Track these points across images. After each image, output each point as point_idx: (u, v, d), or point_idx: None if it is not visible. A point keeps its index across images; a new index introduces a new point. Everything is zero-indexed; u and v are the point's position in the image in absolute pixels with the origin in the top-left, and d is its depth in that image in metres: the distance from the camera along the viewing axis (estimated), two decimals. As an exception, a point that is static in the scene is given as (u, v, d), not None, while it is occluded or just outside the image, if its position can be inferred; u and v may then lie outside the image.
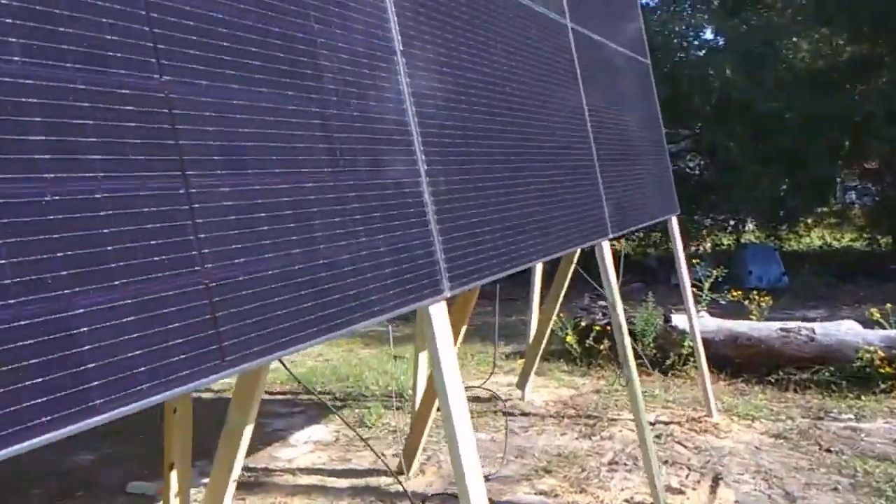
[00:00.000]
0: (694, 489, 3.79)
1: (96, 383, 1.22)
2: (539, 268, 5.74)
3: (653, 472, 3.53)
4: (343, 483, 3.78)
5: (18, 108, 1.18)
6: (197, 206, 1.48)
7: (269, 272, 1.63)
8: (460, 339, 4.02)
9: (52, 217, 1.20)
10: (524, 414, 4.96)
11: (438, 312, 2.25)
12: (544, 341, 5.27)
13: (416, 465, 3.89)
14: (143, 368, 1.30)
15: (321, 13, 1.98)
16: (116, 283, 1.29)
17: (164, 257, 1.38)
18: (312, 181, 1.81)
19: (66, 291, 1.20)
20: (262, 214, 1.64)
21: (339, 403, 4.90)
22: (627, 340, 3.81)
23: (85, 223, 1.25)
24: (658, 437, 4.57)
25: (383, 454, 4.20)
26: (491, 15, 2.93)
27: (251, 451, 4.29)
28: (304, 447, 4.26)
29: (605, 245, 3.93)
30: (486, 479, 3.93)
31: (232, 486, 2.67)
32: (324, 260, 1.80)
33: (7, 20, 1.18)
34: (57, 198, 1.22)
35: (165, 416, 2.65)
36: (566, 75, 3.78)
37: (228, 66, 1.63)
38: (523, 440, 4.48)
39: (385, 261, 2.02)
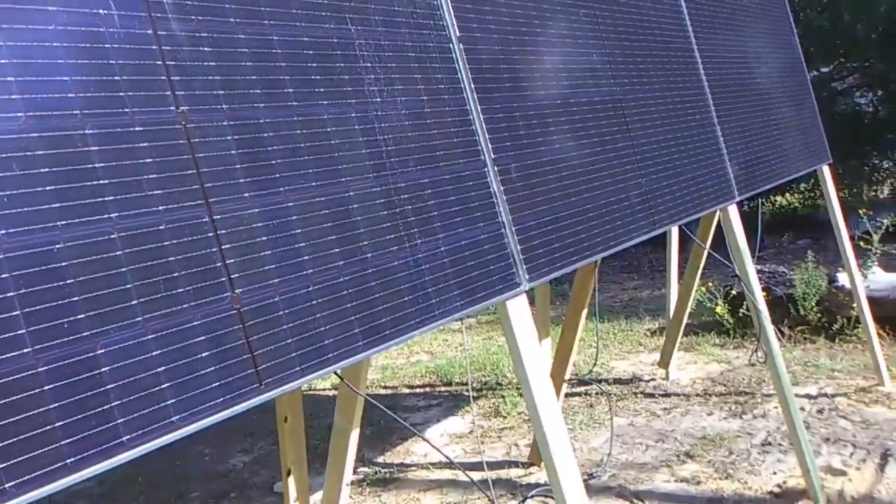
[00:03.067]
0: (857, 469, 3.40)
1: (122, 420, 1.26)
2: (675, 235, 5.39)
3: (804, 453, 3.19)
4: (475, 476, 3.76)
5: (26, 161, 1.23)
6: (223, 232, 1.48)
7: (310, 289, 1.61)
8: (582, 321, 3.87)
9: (65, 263, 1.24)
10: (667, 395, 4.69)
11: (516, 307, 2.14)
12: (685, 315, 4.95)
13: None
14: (171, 401, 1.33)
15: (358, 14, 1.93)
16: (139, 319, 1.32)
17: (189, 288, 1.40)
18: (355, 188, 1.77)
19: (85, 334, 1.24)
20: (299, 231, 1.62)
21: (475, 394, 4.89)
22: (764, 310, 3.48)
23: (100, 265, 1.28)
24: (820, 411, 4.15)
25: (516, 444, 4.14)
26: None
27: (389, 446, 4.39)
28: (440, 440, 4.29)
29: (732, 210, 3.60)
30: (623, 466, 3.75)
31: (346, 490, 2.72)
32: (373, 269, 1.76)
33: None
34: (70, 244, 1.25)
35: (278, 424, 2.75)
36: (671, 26, 3.49)
37: (253, 84, 1.62)
38: (665, 423, 4.23)
39: (445, 261, 1.94)
